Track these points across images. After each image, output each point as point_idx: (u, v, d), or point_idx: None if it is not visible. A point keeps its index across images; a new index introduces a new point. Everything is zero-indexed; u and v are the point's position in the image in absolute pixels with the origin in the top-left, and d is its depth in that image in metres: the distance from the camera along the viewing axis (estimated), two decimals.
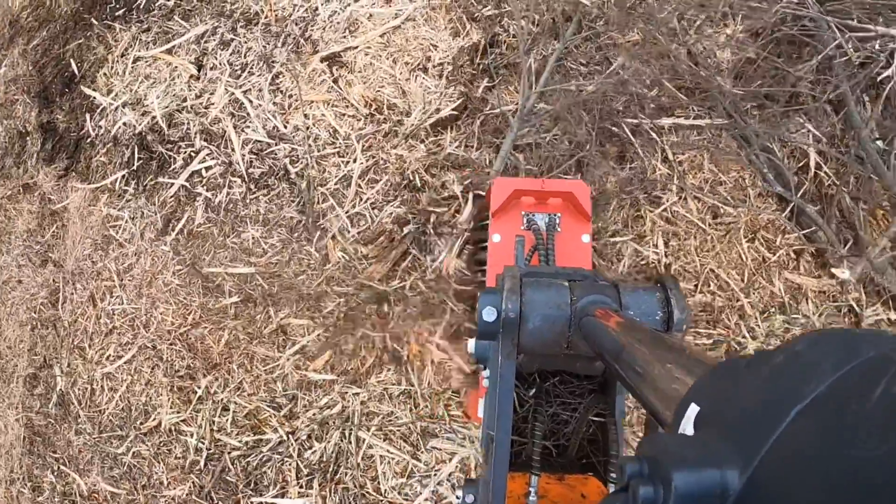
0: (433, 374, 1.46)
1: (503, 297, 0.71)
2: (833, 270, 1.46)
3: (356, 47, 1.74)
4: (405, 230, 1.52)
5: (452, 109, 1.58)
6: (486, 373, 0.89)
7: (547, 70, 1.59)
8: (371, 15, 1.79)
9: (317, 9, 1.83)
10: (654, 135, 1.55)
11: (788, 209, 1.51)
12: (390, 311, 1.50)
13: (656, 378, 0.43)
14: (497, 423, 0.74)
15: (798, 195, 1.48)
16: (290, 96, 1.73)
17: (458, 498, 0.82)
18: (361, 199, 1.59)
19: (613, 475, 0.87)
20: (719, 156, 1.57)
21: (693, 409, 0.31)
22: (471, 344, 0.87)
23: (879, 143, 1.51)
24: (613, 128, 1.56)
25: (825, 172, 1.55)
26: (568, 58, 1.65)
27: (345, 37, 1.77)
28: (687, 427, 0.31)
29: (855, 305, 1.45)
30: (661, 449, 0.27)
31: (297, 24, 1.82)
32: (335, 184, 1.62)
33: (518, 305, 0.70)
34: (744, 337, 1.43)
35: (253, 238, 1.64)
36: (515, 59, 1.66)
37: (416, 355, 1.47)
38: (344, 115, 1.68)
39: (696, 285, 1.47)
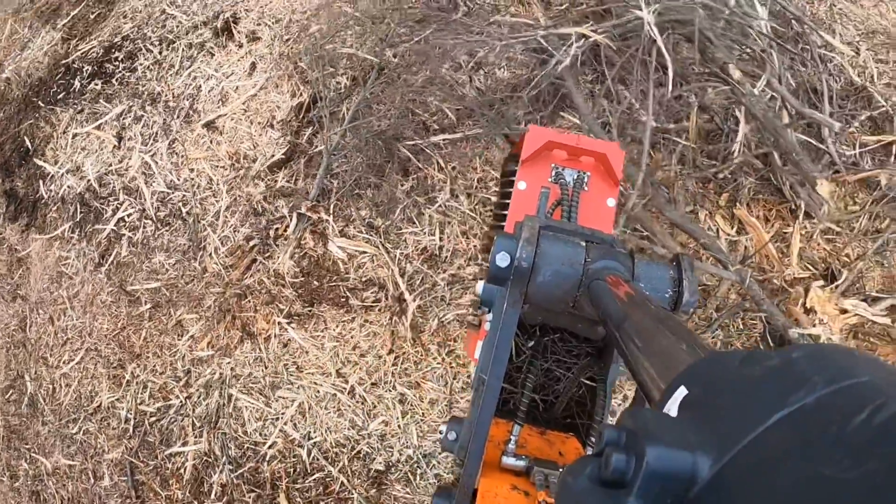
0: (277, 344, 2.01)
1: (519, 244, 0.70)
2: None
3: (225, 114, 2.36)
4: (251, 244, 2.09)
5: (283, 154, 2.17)
6: (489, 316, 0.90)
7: (351, 111, 2.16)
8: (237, 87, 2.41)
9: (200, 86, 2.46)
10: (429, 151, 2.08)
11: None
12: (246, 302, 2.07)
13: (653, 354, 0.43)
14: (491, 368, 0.74)
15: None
16: (182, 156, 2.35)
17: (441, 433, 0.84)
18: (227, 226, 2.18)
19: (593, 439, 0.90)
20: (491, 156, 2.08)
21: (681, 392, 0.31)
22: (479, 286, 0.86)
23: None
24: (402, 149, 2.10)
25: None
26: (372, 99, 2.21)
27: (219, 106, 2.39)
28: (672, 408, 0.31)
29: None
30: (640, 423, 0.28)
31: (186, 100, 2.45)
32: (211, 217, 2.22)
33: (532, 256, 0.70)
34: None
35: (160, 262, 2.25)
36: (335, 108, 2.23)
37: (263, 331, 2.03)
38: (217, 166, 2.29)
39: (466, 260, 1.98)
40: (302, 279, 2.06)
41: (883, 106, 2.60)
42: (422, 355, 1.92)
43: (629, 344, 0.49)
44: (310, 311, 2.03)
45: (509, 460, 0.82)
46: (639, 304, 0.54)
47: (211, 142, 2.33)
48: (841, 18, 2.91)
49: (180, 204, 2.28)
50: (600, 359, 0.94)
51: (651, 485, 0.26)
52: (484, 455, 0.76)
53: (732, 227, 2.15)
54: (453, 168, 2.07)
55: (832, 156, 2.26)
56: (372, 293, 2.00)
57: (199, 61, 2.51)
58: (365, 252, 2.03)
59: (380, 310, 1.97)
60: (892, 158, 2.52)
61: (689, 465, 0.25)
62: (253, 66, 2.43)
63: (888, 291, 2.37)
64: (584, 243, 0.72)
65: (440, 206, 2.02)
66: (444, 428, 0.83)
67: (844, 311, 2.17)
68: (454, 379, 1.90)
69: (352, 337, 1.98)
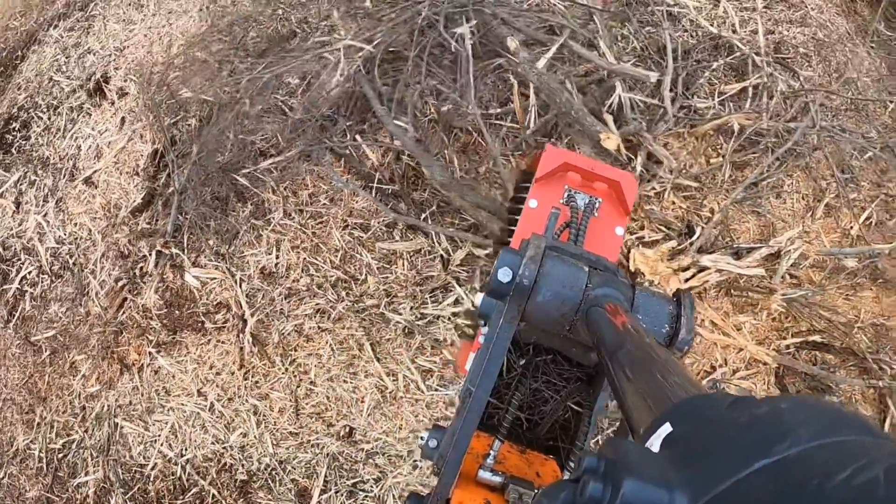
0: (149, 372, 2.20)
1: (522, 261, 0.70)
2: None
3: (100, 168, 2.57)
4: (120, 284, 2.28)
5: (141, 199, 2.36)
6: (484, 329, 0.90)
7: (197, 150, 2.32)
8: (109, 142, 2.62)
9: (80, 146, 2.69)
10: (263, 176, 2.22)
11: (376, 196, 2.11)
12: (122, 337, 2.26)
13: (641, 387, 0.43)
14: (480, 381, 0.74)
15: (376, 182, 2.08)
16: (67, 212, 2.58)
17: (422, 439, 0.84)
18: (103, 271, 2.38)
19: (572, 464, 0.90)
20: (321, 172, 2.21)
21: (665, 428, 0.31)
22: (478, 298, 0.86)
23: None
24: (240, 179, 2.25)
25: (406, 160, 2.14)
26: (216, 136, 2.37)
27: (95, 162, 2.61)
28: (655, 443, 0.31)
29: (443, 254, 2.01)
30: (621, 454, 0.28)
31: (70, 160, 2.68)
32: (91, 265, 2.43)
33: (535, 274, 0.69)
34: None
35: (55, 311, 2.47)
36: (187, 150, 2.41)
37: (137, 361, 2.22)
38: (94, 218, 2.50)
39: (299, 272, 2.11)
40: (166, 310, 2.24)
41: (740, 53, 2.59)
42: (268, 367, 2.06)
43: (619, 374, 0.49)
44: (173, 338, 2.20)
45: (486, 475, 0.82)
46: (634, 335, 0.54)
47: (90, 196, 2.54)
48: None
49: (68, 256, 2.50)
50: (590, 385, 0.93)
51: None
52: (461, 466, 0.75)
53: None
54: (285, 188, 2.21)
55: (666, 110, 2.29)
56: (221, 315, 2.15)
57: (80, 122, 2.74)
58: (215, 278, 2.19)
59: (228, 329, 2.12)
60: (748, 102, 2.51)
61: (666, 503, 0.25)
62: (123, 120, 2.64)
63: (765, 240, 2.37)
64: (587, 268, 0.72)
65: (275, 226, 2.16)
66: (425, 434, 0.83)
67: (693, 270, 2.18)
68: (298, 387, 2.03)
69: (208, 357, 2.14)
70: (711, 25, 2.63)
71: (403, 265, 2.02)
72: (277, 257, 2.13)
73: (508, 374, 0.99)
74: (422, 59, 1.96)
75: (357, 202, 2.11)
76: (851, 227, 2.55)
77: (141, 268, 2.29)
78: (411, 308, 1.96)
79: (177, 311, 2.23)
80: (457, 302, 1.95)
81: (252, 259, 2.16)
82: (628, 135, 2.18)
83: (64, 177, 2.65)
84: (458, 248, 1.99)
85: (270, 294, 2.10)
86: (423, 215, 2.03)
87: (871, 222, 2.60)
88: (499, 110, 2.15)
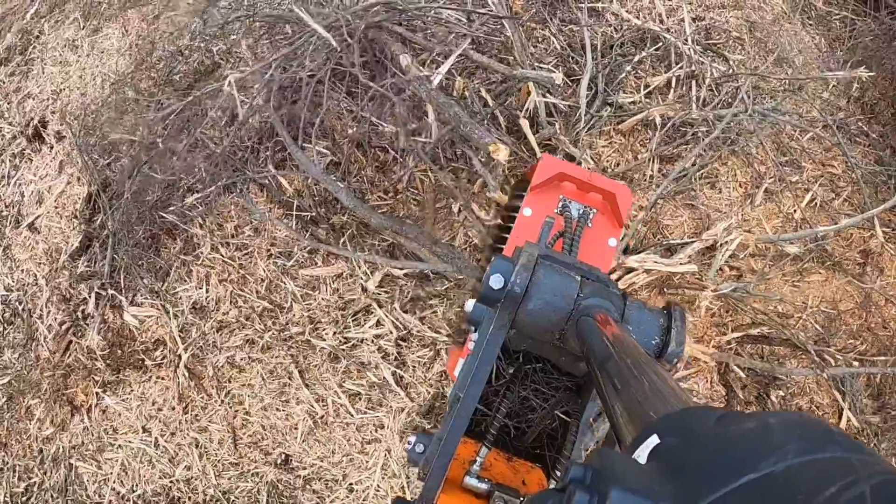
0: (98, 412, 2.25)
1: (515, 269, 0.70)
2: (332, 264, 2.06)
3: (42, 214, 2.62)
4: (64, 327, 2.33)
5: (79, 242, 2.40)
6: (474, 336, 0.89)
7: (130, 190, 2.36)
8: (50, 187, 2.66)
9: (24, 192, 2.74)
10: (190, 212, 2.25)
11: (296, 224, 2.13)
12: (70, 379, 2.32)
13: (630, 398, 0.43)
14: (468, 387, 0.74)
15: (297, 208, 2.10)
16: (14, 259, 2.63)
17: (409, 444, 0.83)
18: (49, 315, 2.44)
19: (559, 473, 0.89)
20: (244, 204, 2.23)
21: (653, 440, 0.32)
22: (469, 304, 0.86)
23: None
24: (169, 216, 2.28)
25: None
26: (146, 175, 2.41)
27: (37, 207, 2.65)
28: (642, 454, 0.32)
29: (362, 277, 2.03)
30: (608, 464, 0.28)
31: (14, 207, 2.73)
32: (39, 310, 2.48)
33: (526, 283, 0.69)
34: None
35: (8, 358, 2.54)
36: (120, 190, 2.44)
37: (85, 402, 2.27)
38: (39, 263, 2.55)
39: (228, 305, 2.14)
40: (109, 350, 2.28)
41: (664, 43, 2.56)
42: (205, 400, 2.10)
43: (607, 384, 0.49)
44: (117, 377, 2.25)
45: (472, 481, 0.83)
46: (623, 347, 0.55)
47: (34, 242, 2.59)
48: None
49: (17, 303, 2.56)
50: (578, 395, 0.93)
51: None
52: (448, 472, 0.75)
53: (490, 213, 2.20)
54: (211, 222, 2.23)
55: (580, 110, 2.27)
56: (160, 352, 2.19)
57: (23, 168, 2.79)
58: (151, 315, 2.23)
59: (166, 365, 2.16)
60: (671, 92, 2.48)
61: None
62: (61, 164, 2.68)
63: (698, 234, 2.35)
64: (579, 278, 0.72)
65: (203, 260, 2.19)
66: (412, 439, 0.83)
67: (619, 272, 2.17)
68: (234, 418, 2.07)
69: (150, 394, 2.18)
70: (637, 17, 2.60)
71: (326, 290, 2.04)
72: (207, 291, 2.16)
73: (497, 382, 1.00)
74: (323, 84, 1.97)
75: (280, 231, 2.13)
76: (794, 211, 2.52)
77: (83, 310, 2.33)
78: (334, 333, 1.99)
79: (119, 351, 2.27)
80: (378, 324, 1.97)
81: (184, 294, 2.20)
82: (545, 139, 2.18)
83: (10, 224, 2.70)
84: (376, 269, 2.01)
85: (202, 328, 2.13)
86: (342, 239, 2.05)
87: (816, 203, 2.57)
88: (415, 125, 2.15)
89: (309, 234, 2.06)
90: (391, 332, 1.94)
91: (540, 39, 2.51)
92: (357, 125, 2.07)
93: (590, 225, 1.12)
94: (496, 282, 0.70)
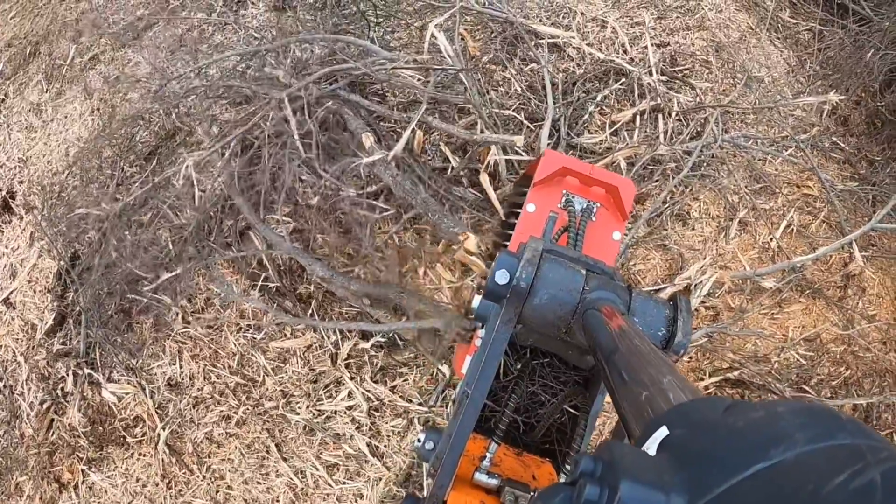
0: (85, 489, 2.27)
1: (520, 264, 0.71)
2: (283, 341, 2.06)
3: (16, 288, 2.62)
4: (45, 406, 2.35)
5: (53, 320, 2.40)
6: (481, 332, 0.90)
7: (99, 264, 2.36)
8: (22, 260, 2.66)
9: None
10: (161, 287, 2.25)
11: (262, 296, 2.13)
12: (55, 457, 2.33)
13: (638, 390, 0.43)
14: (476, 382, 0.75)
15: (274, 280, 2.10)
16: None
17: (419, 441, 0.84)
18: (30, 393, 2.45)
19: (569, 467, 0.89)
20: (214, 273, 2.23)
21: (662, 431, 0.32)
22: (476, 300, 0.86)
23: None
24: (140, 291, 2.28)
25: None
26: (115, 247, 2.40)
27: (10, 282, 2.66)
28: (651, 446, 0.32)
29: (332, 349, 2.02)
30: (618, 457, 0.28)
31: None
32: (20, 387, 2.50)
33: (532, 277, 0.70)
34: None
35: None
36: (90, 263, 2.44)
37: (71, 480, 2.29)
38: (16, 339, 2.56)
39: (202, 381, 2.15)
40: (90, 427, 2.30)
41: (629, 76, 2.53)
42: (188, 475, 2.12)
43: (615, 376, 0.49)
44: (101, 454, 2.27)
45: (482, 477, 0.83)
46: (630, 338, 0.55)
47: (10, 318, 2.60)
48: None
49: None
50: (586, 388, 0.94)
51: None
52: (457, 469, 0.76)
53: (455, 274, 2.19)
54: (181, 295, 2.23)
55: None
56: (139, 428, 2.21)
57: None
58: (128, 392, 2.24)
59: (147, 442, 2.18)
60: (637, 131, 2.45)
61: None
62: (32, 236, 2.68)
63: (672, 279, 2.33)
64: (584, 272, 0.73)
65: (175, 335, 2.19)
66: (422, 436, 0.84)
67: None
68: (217, 493, 2.08)
69: (134, 470, 2.20)
70: (599, 50, 2.56)
71: (297, 362, 2.04)
72: (181, 367, 2.17)
73: (505, 378, 1.00)
74: (284, 149, 1.95)
75: (247, 303, 2.12)
76: (771, 241, 2.49)
77: (62, 388, 2.35)
78: (308, 406, 1.99)
79: (100, 428, 2.28)
80: (350, 396, 1.97)
81: (159, 371, 2.20)
82: (503, 196, 2.16)
83: None
84: (345, 339, 2.01)
85: (178, 405, 2.14)
86: (309, 310, 2.04)
87: (793, 230, 2.54)
88: (374, 188, 2.14)
89: (276, 307, 2.06)
90: (363, 404, 1.94)
91: (500, 82, 2.48)
92: (319, 194, 2.05)
93: (594, 219, 1.12)
94: (502, 277, 0.70)
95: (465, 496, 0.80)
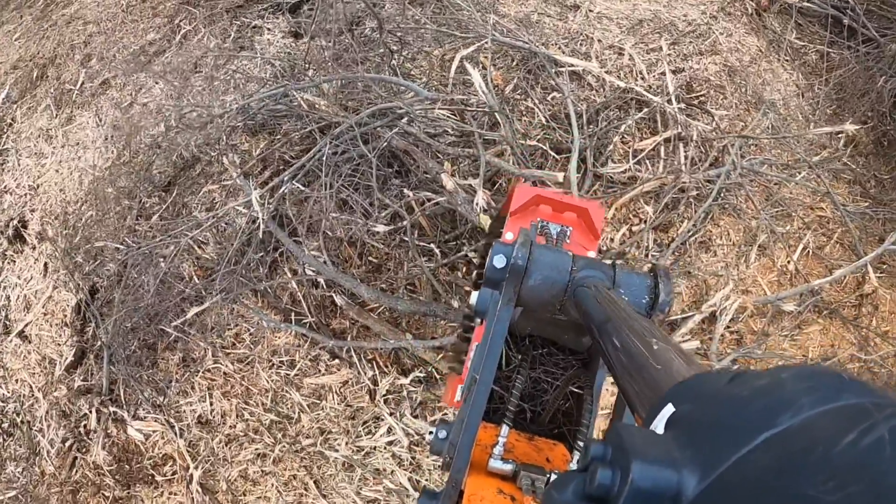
0: None
1: (515, 248, 0.77)
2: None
3: (31, 321, 2.56)
4: (67, 444, 2.30)
5: (72, 356, 2.36)
6: (473, 347, 0.94)
7: (119, 298, 2.32)
8: (36, 291, 2.61)
9: (9, 296, 2.67)
10: (186, 328, 2.22)
11: (295, 333, 2.11)
12: (79, 496, 2.29)
13: (639, 369, 0.43)
14: (484, 363, 0.78)
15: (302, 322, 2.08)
16: (6, 368, 2.58)
17: (430, 433, 0.86)
18: (50, 429, 2.39)
19: (580, 443, 0.91)
20: (240, 309, 2.21)
21: (668, 409, 0.32)
22: (473, 297, 0.89)
23: None
24: (166, 327, 2.25)
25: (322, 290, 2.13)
26: (136, 281, 2.36)
27: (25, 314, 2.60)
28: (659, 425, 0.32)
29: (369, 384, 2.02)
30: (627, 439, 0.28)
31: (1, 311, 2.67)
32: (39, 423, 2.44)
33: (527, 256, 0.76)
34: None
35: (12, 471, 2.49)
36: (110, 296, 2.39)
37: None
38: (33, 374, 2.50)
39: (235, 418, 2.12)
40: (116, 466, 2.25)
41: (650, 106, 2.56)
42: None
43: (609, 345, 0.51)
44: (128, 493, 2.23)
45: (496, 464, 0.83)
46: (619, 309, 0.58)
47: (25, 351, 2.54)
48: (600, 22, 2.85)
49: (14, 414, 2.51)
50: (587, 369, 0.98)
51: (636, 501, 0.26)
52: (471, 457, 0.76)
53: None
54: (210, 330, 2.20)
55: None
56: (169, 467, 2.17)
57: (6, 271, 2.72)
58: (156, 430, 2.20)
59: (178, 481, 2.14)
60: (662, 159, 2.49)
61: (675, 483, 0.26)
62: (46, 266, 2.62)
63: (697, 305, 2.36)
64: (570, 254, 0.80)
65: (204, 372, 2.17)
66: (433, 429, 0.86)
67: None
68: None
69: None
70: (618, 78, 2.60)
71: (333, 399, 2.03)
72: (212, 405, 2.14)
73: (508, 367, 1.03)
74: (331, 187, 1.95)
75: (279, 338, 2.11)
76: (788, 263, 2.55)
77: (84, 425, 2.30)
78: (346, 443, 1.98)
79: (126, 466, 2.24)
80: (390, 431, 1.97)
81: (188, 408, 2.17)
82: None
83: None
84: (385, 375, 2.00)
85: (210, 443, 2.11)
86: (345, 346, 2.04)
87: (809, 252, 2.60)
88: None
89: (311, 340, 2.05)
90: (403, 440, 1.94)
91: (524, 112, 2.49)
92: (348, 226, 2.05)
93: (568, 241, 1.19)
94: (499, 261, 0.76)
95: (482, 482, 0.80)
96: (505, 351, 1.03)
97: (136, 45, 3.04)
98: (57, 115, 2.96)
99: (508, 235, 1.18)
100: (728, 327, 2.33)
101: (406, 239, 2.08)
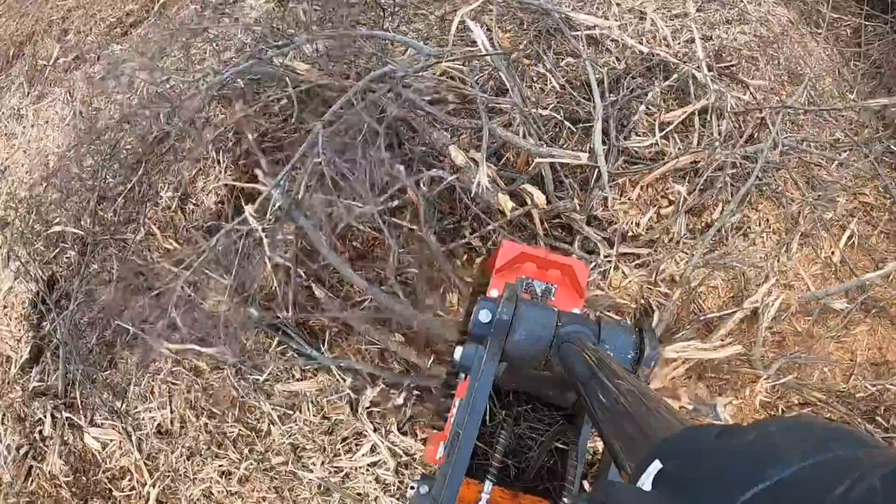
0: None
1: (500, 303, 0.77)
2: None
3: None
4: (22, 451, 2.06)
5: (28, 353, 2.12)
6: (457, 402, 0.93)
7: (77, 288, 2.07)
8: None
9: None
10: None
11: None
12: None
13: (624, 424, 0.42)
14: (468, 418, 0.76)
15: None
16: None
17: (412, 488, 0.85)
18: (6, 435, 2.16)
19: (566, 500, 0.89)
20: (211, 308, 1.93)
21: (656, 465, 0.30)
22: (458, 351, 0.88)
23: None
24: (124, 323, 1.99)
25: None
26: (97, 270, 2.11)
27: None
28: (646, 481, 0.30)
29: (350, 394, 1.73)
30: (613, 497, 0.28)
31: None
32: None
33: (512, 311, 0.77)
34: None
35: None
36: (70, 287, 2.15)
37: None
38: None
39: (197, 429, 1.85)
40: (73, 476, 2.01)
41: (678, 71, 2.22)
42: None
43: (594, 401, 0.50)
44: None
45: None
46: (605, 365, 0.57)
47: None
48: None
49: None
50: (572, 423, 0.98)
51: None
52: None
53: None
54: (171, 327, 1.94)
55: (600, 174, 1.94)
56: (127, 481, 1.92)
57: None
58: (113, 439, 1.95)
59: (135, 497, 1.89)
60: (696, 133, 2.15)
61: None
62: (8, 256, 2.39)
63: (736, 301, 2.02)
64: (556, 309, 0.80)
65: (165, 375, 1.91)
66: (415, 484, 0.86)
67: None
68: None
69: None
70: (640, 43, 2.25)
71: (308, 410, 1.75)
72: (172, 412, 1.88)
73: (491, 422, 1.02)
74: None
75: (248, 339, 1.83)
76: (833, 254, 2.19)
77: (40, 431, 2.06)
78: (322, 463, 1.70)
79: (83, 478, 2.00)
80: (373, 450, 1.68)
81: (147, 415, 1.91)
82: (556, 214, 1.87)
83: None
84: (369, 386, 1.71)
85: (170, 456, 1.85)
86: (323, 349, 1.75)
87: (854, 241, 2.24)
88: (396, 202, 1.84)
89: (283, 352, 1.77)
90: (388, 461, 1.64)
91: (535, 78, 2.18)
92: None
93: (552, 299, 1.19)
94: (485, 316, 0.76)
95: None
96: (489, 406, 1.01)
97: (114, 17, 2.80)
98: (28, 92, 2.73)
99: (493, 292, 1.17)
100: (769, 327, 1.99)
101: (399, 222, 1.79)
